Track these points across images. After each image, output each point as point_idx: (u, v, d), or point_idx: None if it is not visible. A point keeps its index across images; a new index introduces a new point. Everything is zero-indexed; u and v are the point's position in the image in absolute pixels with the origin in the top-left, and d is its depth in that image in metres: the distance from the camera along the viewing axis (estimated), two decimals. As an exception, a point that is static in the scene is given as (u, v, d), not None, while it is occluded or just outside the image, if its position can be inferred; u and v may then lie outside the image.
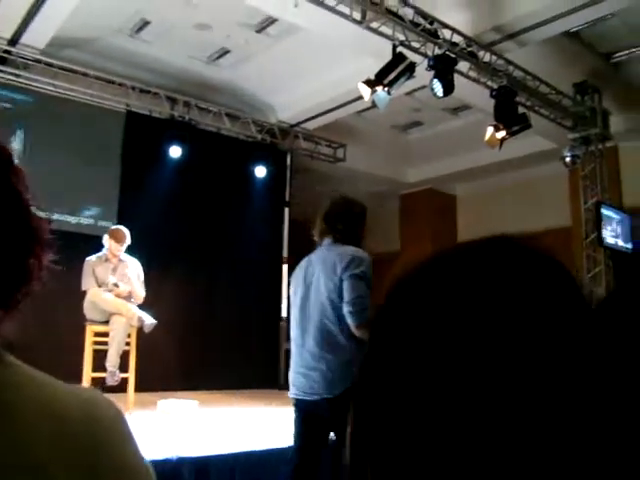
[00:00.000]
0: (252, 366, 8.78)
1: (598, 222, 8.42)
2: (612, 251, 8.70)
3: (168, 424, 5.32)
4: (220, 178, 9.22)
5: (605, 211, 8.56)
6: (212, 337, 8.84)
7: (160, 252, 8.10)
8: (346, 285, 3.01)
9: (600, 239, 8.37)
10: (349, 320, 2.99)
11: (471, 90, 7.56)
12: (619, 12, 7.26)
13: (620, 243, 8.73)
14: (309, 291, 3.17)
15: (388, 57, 6.31)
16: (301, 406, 3.15)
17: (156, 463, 3.83)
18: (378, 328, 0.47)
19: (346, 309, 2.99)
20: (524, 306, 0.41)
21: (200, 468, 4.02)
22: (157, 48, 8.27)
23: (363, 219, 3.29)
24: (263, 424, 5.44)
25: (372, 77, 6.36)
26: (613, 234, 8.61)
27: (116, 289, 5.80)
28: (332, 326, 3.05)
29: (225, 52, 8.50)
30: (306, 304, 3.16)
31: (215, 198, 9.16)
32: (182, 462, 3.95)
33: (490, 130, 7.34)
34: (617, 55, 8.62)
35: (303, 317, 3.16)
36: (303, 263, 3.28)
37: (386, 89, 6.22)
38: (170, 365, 8.18)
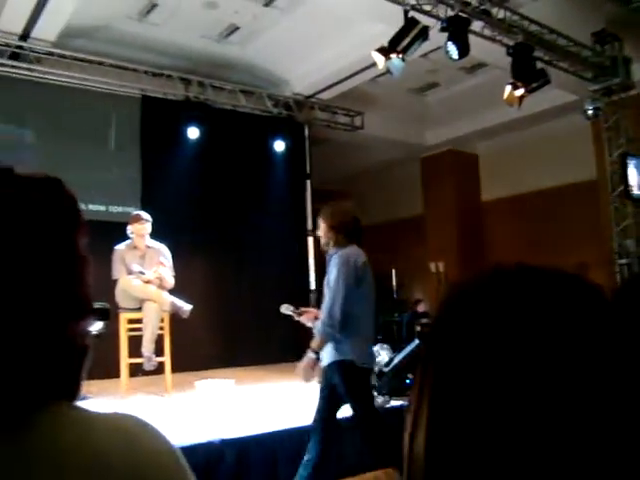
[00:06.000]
0: (282, 340, 8.48)
1: (624, 174, 8.25)
2: (641, 202, 8.54)
3: (207, 405, 5.40)
4: (239, 155, 9.18)
5: (631, 162, 8.38)
6: (242, 314, 8.92)
7: (185, 234, 8.05)
8: None
9: (627, 192, 8.22)
10: None
11: (487, 48, 7.39)
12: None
13: (648, 194, 8.54)
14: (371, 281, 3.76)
15: (400, 22, 6.19)
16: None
17: (199, 446, 3.92)
18: (442, 331, 0.56)
19: None
20: (557, 323, 0.51)
21: (243, 449, 4.10)
22: (167, 30, 8.19)
23: None
24: (299, 400, 5.50)
25: (385, 44, 6.26)
26: (641, 185, 8.42)
27: (142, 277, 5.86)
28: None
29: (235, 29, 8.41)
30: (372, 291, 3.78)
31: (236, 175, 9.12)
32: (225, 444, 4.03)
33: (508, 88, 7.19)
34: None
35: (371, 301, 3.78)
36: (362, 255, 3.73)
37: (400, 56, 6.13)
38: (204, 345, 8.29)
